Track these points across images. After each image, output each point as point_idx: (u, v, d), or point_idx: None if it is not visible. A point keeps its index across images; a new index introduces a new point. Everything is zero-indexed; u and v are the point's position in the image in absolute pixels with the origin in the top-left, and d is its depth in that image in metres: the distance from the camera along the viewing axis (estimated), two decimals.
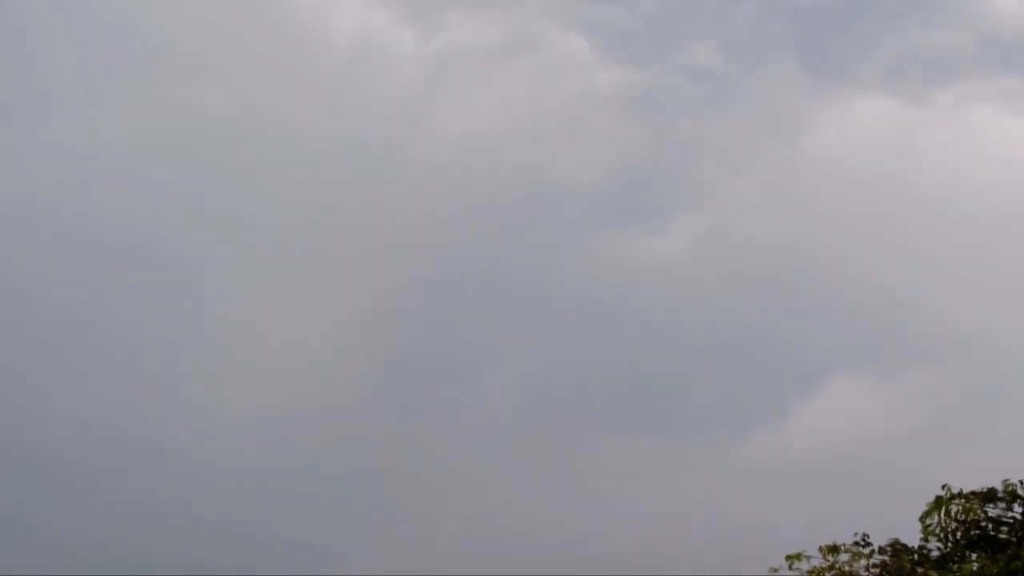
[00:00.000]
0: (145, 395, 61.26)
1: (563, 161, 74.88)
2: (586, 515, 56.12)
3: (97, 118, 69.87)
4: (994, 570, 22.57)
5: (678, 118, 78.33)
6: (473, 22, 78.63)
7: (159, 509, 55.24)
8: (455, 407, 63.19)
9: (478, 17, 78.87)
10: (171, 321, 65.27)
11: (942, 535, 23.61)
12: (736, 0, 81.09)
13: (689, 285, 68.93)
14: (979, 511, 23.43)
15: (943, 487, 23.67)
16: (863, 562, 24.10)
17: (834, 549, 24.03)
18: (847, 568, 23.99)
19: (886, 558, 24.10)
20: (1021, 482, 23.67)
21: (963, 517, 23.43)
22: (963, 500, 23.49)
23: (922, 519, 23.66)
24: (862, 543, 24.26)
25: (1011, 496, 23.62)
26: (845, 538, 24.35)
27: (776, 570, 24.19)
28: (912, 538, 24.04)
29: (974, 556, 23.26)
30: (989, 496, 23.60)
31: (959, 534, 23.50)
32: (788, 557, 24.14)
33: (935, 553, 23.78)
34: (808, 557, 24.16)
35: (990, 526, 23.50)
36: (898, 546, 24.12)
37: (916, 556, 23.89)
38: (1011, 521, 23.51)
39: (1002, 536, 23.40)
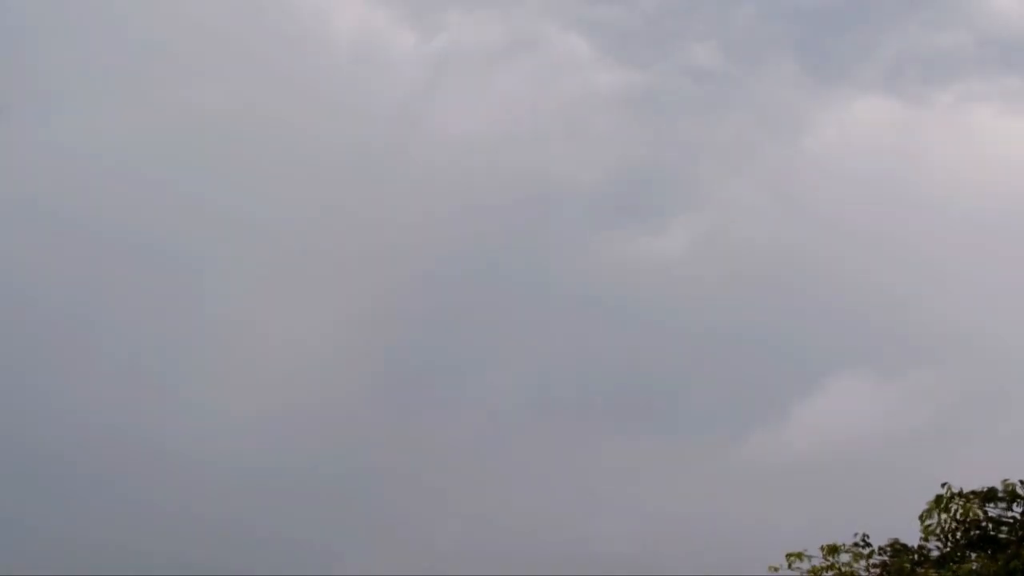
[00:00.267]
0: (145, 395, 61.30)
1: (563, 161, 74.95)
2: (586, 515, 56.16)
3: (97, 118, 69.92)
4: (993, 569, 22.56)
5: (678, 118, 78.40)
6: (473, 22, 78.70)
7: (159, 509, 55.26)
8: (455, 407, 63.24)
9: (478, 17, 78.94)
10: (171, 321, 65.34)
11: (942, 535, 23.60)
12: (736, 0, 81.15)
13: (689, 285, 68.98)
14: (979, 511, 23.43)
15: (943, 487, 23.67)
16: (863, 562, 24.11)
17: (834, 549, 24.03)
18: (847, 568, 24.00)
19: (886, 558, 24.10)
20: (1021, 482, 23.67)
21: (963, 517, 23.42)
22: (963, 500, 23.49)
23: (922, 519, 23.65)
24: (862, 543, 24.26)
25: (1011, 496, 23.61)
26: (845, 538, 24.36)
27: (776, 569, 24.20)
28: (912, 538, 24.05)
29: (974, 556, 23.25)
30: (989, 496, 23.59)
31: (959, 534, 23.50)
32: (789, 556, 24.14)
33: (935, 553, 23.78)
34: (809, 556, 24.17)
35: (990, 526, 23.50)
36: (898, 546, 24.11)
37: (916, 556, 23.89)
38: (1011, 521, 23.50)
39: (1002, 536, 23.40)
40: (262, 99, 72.21)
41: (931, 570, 23.27)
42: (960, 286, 67.24)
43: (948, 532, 23.54)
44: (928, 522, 23.54)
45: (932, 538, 23.71)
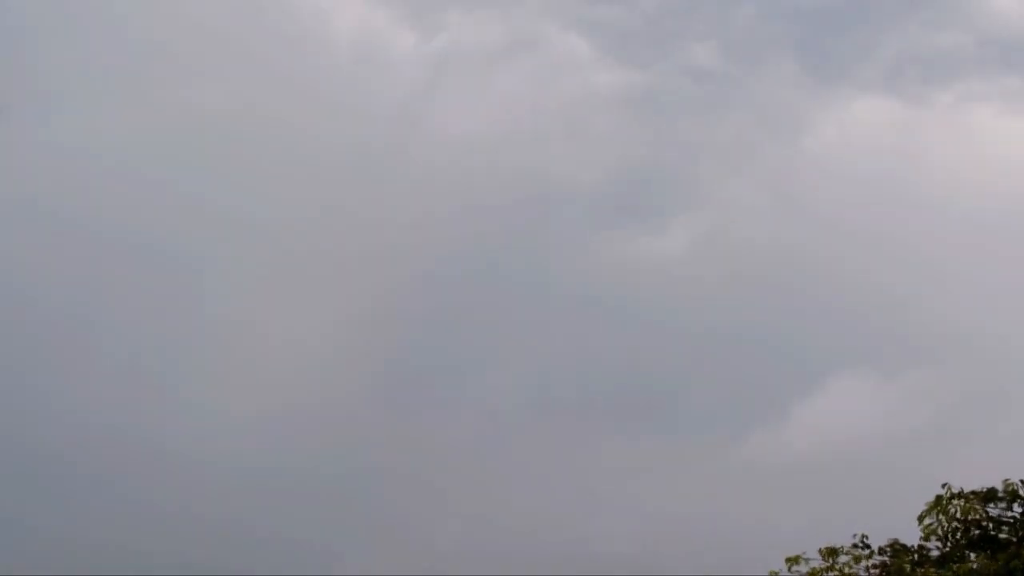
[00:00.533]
0: (145, 395, 61.28)
1: (563, 161, 74.94)
2: (586, 515, 56.14)
3: (97, 118, 69.91)
4: (994, 569, 22.57)
5: (678, 118, 78.40)
6: (473, 22, 78.69)
7: (159, 509, 55.24)
8: (455, 407, 63.23)
9: (478, 17, 78.93)
10: (171, 321, 65.32)
11: (942, 535, 23.61)
12: (736, 0, 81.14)
13: (689, 285, 68.98)
14: (979, 511, 23.44)
15: (943, 487, 23.68)
16: (863, 563, 24.10)
17: (833, 552, 24.02)
18: (847, 570, 23.99)
19: (886, 559, 24.09)
20: (1021, 482, 23.68)
21: (963, 517, 23.43)
22: (963, 500, 23.49)
23: (921, 519, 23.67)
24: (861, 544, 24.25)
25: (1011, 496, 23.63)
26: (845, 538, 24.37)
27: (776, 573, 24.19)
28: (912, 538, 24.06)
29: (974, 556, 23.25)
30: (989, 496, 23.61)
31: (959, 534, 23.50)
32: (788, 560, 24.13)
33: (935, 553, 23.78)
34: (807, 559, 24.16)
35: (990, 526, 23.51)
36: (898, 546, 24.11)
37: (916, 556, 23.89)
38: (1011, 521, 23.51)
39: (1002, 536, 23.41)
40: (262, 99, 72.26)
41: (931, 570, 23.27)
42: (960, 286, 67.28)
43: (948, 532, 23.55)
44: (928, 522, 23.54)
45: (932, 538, 23.71)
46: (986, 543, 23.35)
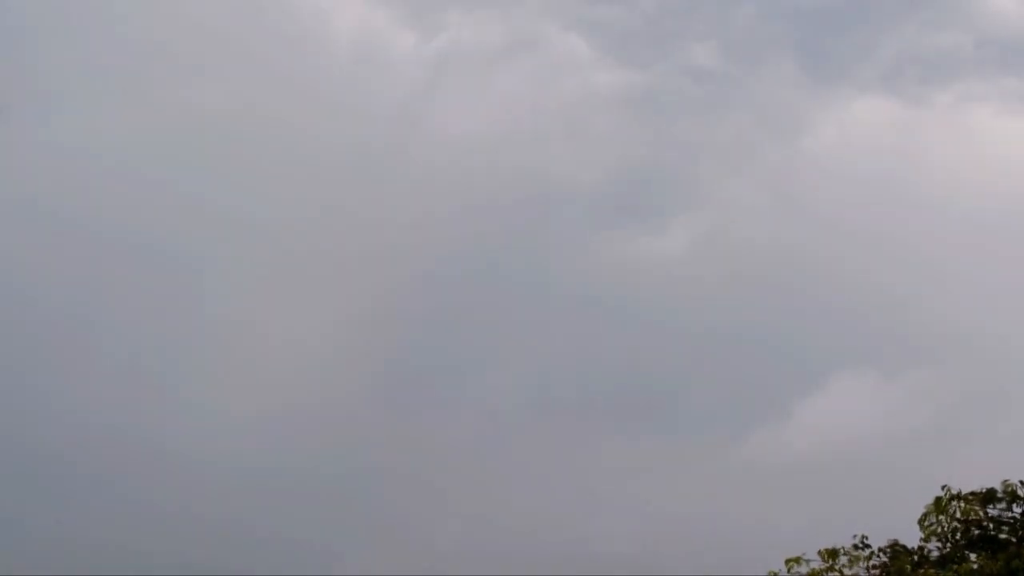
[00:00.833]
0: (145, 395, 61.28)
1: (563, 161, 74.97)
2: (586, 515, 56.14)
3: (97, 118, 69.92)
4: (994, 569, 22.58)
5: (678, 118, 78.44)
6: (473, 22, 78.73)
7: (159, 509, 55.25)
8: (455, 407, 63.23)
9: (478, 17, 78.98)
10: (171, 321, 65.32)
11: (942, 536, 23.62)
12: (736, 0, 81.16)
13: (689, 285, 69.00)
14: (979, 511, 23.45)
15: (943, 488, 23.69)
16: (863, 564, 24.11)
17: (833, 554, 24.03)
18: (847, 570, 24.00)
19: (886, 559, 24.10)
20: (1021, 482, 23.70)
21: (963, 518, 23.44)
22: (962, 501, 23.51)
23: (922, 520, 23.68)
24: (861, 545, 24.25)
25: (1011, 496, 23.64)
26: (845, 538, 24.38)
27: (775, 574, 24.20)
28: (912, 539, 24.07)
29: (974, 556, 23.27)
30: (989, 496, 23.62)
31: (959, 534, 23.52)
32: (788, 561, 24.14)
33: (935, 554, 23.79)
34: (807, 560, 24.17)
35: (990, 526, 23.52)
36: (898, 547, 24.12)
37: (916, 557, 23.90)
38: (1011, 521, 23.53)
39: (1002, 536, 23.42)
40: (262, 99, 72.29)
41: (931, 571, 23.28)
42: (960, 286, 67.31)
43: (948, 533, 23.56)
44: (928, 523, 23.56)
45: (932, 539, 23.72)
46: (986, 543, 23.37)
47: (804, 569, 24.06)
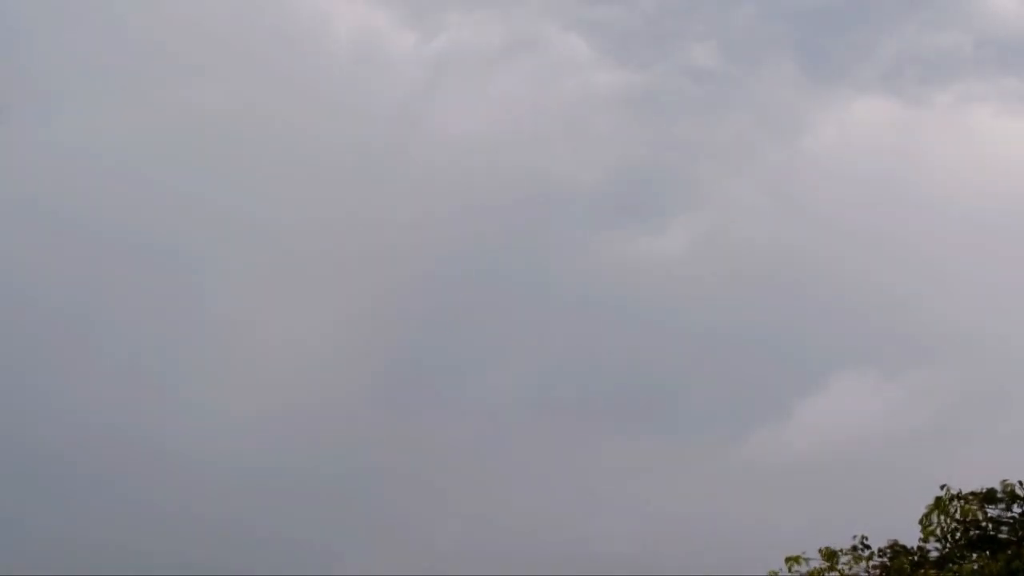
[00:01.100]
0: (145, 395, 61.27)
1: (563, 161, 74.95)
2: (586, 515, 56.15)
3: (97, 118, 69.90)
4: (995, 569, 22.57)
5: (678, 118, 78.42)
6: (473, 23, 78.70)
7: (159, 509, 55.24)
8: (455, 407, 63.22)
9: (478, 18, 78.95)
10: (171, 321, 65.32)
11: (942, 536, 23.61)
12: (736, 0, 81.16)
13: (689, 285, 69.00)
14: (978, 511, 23.45)
15: (942, 488, 23.68)
16: (863, 564, 24.11)
17: (833, 554, 24.02)
18: (847, 570, 24.00)
19: (886, 560, 24.10)
20: (1020, 482, 23.69)
21: (963, 518, 23.44)
22: (962, 501, 23.50)
23: (922, 520, 23.67)
24: (861, 546, 24.25)
25: (1010, 496, 23.64)
26: (845, 538, 24.37)
27: (775, 573, 24.19)
28: (912, 539, 24.06)
29: (974, 556, 23.26)
30: (989, 496, 23.61)
31: (959, 535, 23.51)
32: (788, 560, 24.14)
33: (934, 554, 23.78)
34: (807, 559, 24.16)
35: (990, 526, 23.51)
36: (898, 548, 24.12)
37: (916, 557, 23.89)
38: (1011, 521, 23.52)
39: (1002, 536, 23.42)
40: (262, 99, 72.28)
41: (931, 571, 23.28)
42: (960, 286, 67.32)
43: (948, 533, 23.55)
44: (928, 523, 23.55)
45: (932, 539, 23.72)
46: (986, 544, 23.36)
47: (804, 568, 24.06)
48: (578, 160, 75.18)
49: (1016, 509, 23.60)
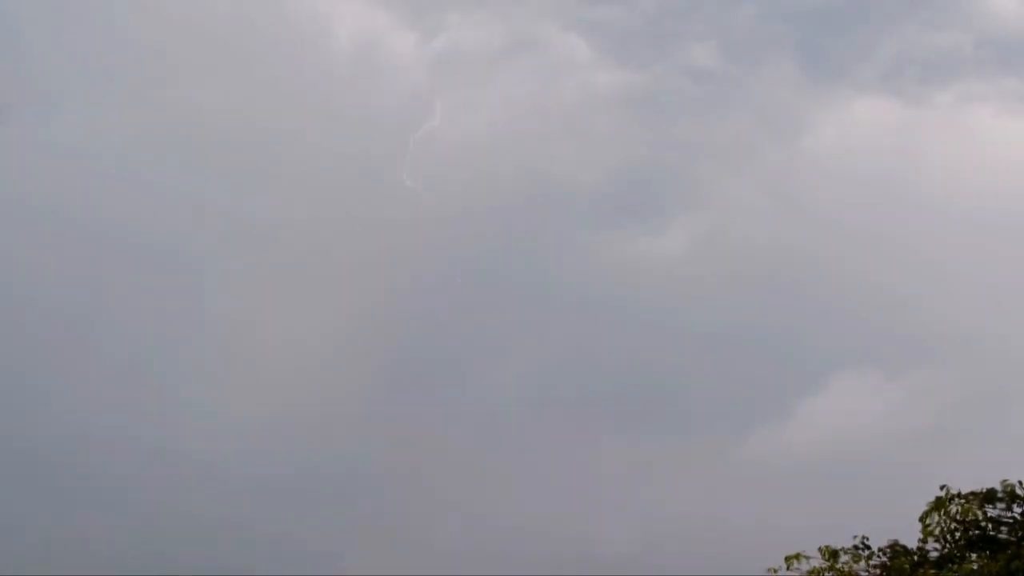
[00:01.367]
0: (145, 395, 61.29)
1: (563, 161, 74.94)
2: (586, 515, 56.17)
3: (97, 118, 69.89)
4: (994, 569, 22.57)
5: (678, 118, 78.43)
6: (473, 23, 78.69)
7: (159, 509, 55.28)
8: (455, 407, 63.24)
9: (478, 18, 78.94)
10: (171, 321, 65.34)
11: (942, 536, 23.61)
12: (736, 0, 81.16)
13: (689, 285, 69.02)
14: (978, 511, 23.44)
15: (942, 488, 23.68)
16: (862, 564, 24.11)
17: (833, 553, 24.02)
18: (847, 569, 24.00)
19: (886, 560, 24.09)
20: (1020, 482, 23.68)
21: (962, 518, 23.43)
22: (962, 501, 23.49)
23: (922, 520, 23.66)
24: (861, 546, 24.25)
25: (1010, 496, 23.63)
26: (845, 538, 24.36)
27: (775, 571, 24.18)
28: (912, 538, 24.05)
29: (974, 556, 23.26)
30: (989, 496, 23.61)
31: (959, 535, 23.50)
32: (787, 558, 24.13)
33: (934, 554, 23.78)
34: (807, 558, 24.16)
35: (990, 526, 23.51)
36: (898, 547, 24.11)
37: (916, 557, 23.89)
38: (1011, 521, 23.51)
39: (1002, 536, 23.41)
40: (262, 100, 72.28)
41: (931, 571, 23.27)
42: (960, 286, 67.33)
43: (948, 533, 23.54)
44: (928, 523, 23.55)
45: (932, 539, 23.71)
46: (986, 544, 23.36)
47: (804, 567, 24.06)
48: (578, 160, 75.25)
49: (1016, 509, 23.59)
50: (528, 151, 74.49)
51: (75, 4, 74.60)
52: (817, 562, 24.06)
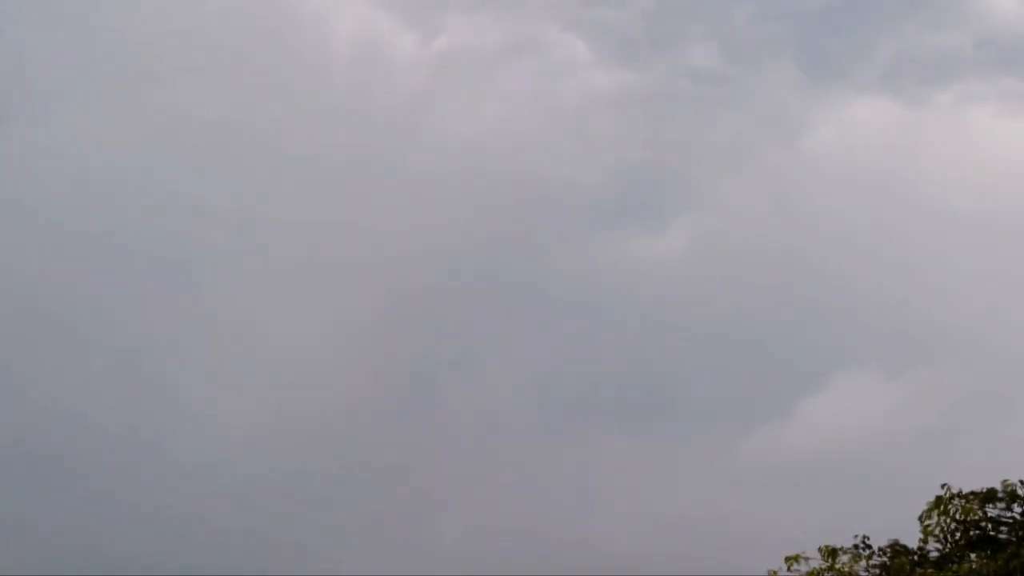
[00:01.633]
0: (145, 396, 61.30)
1: (563, 162, 74.98)
2: (586, 515, 56.19)
3: (96, 119, 69.90)
4: (993, 569, 22.59)
5: (678, 118, 78.46)
6: (473, 24, 78.75)
7: (159, 510, 55.26)
8: (455, 407, 63.27)
9: (478, 19, 79.00)
10: (171, 322, 65.31)
11: (942, 535, 23.63)
12: (735, 1, 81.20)
13: (689, 285, 69.07)
14: (978, 511, 23.46)
15: (942, 487, 23.70)
16: (863, 564, 24.13)
17: (833, 553, 24.04)
18: (847, 569, 24.02)
19: (886, 559, 24.12)
20: (1020, 482, 23.70)
21: (962, 517, 23.45)
22: (962, 500, 23.52)
23: (922, 519, 23.69)
24: (862, 546, 24.27)
25: (1010, 496, 23.65)
26: (845, 538, 24.39)
27: (775, 573, 24.21)
28: (912, 538, 24.08)
29: (974, 556, 23.28)
30: (989, 496, 23.63)
31: (958, 534, 23.53)
32: (787, 559, 24.15)
33: (934, 554, 23.80)
34: (807, 559, 24.18)
35: (989, 526, 23.53)
36: (898, 547, 24.14)
37: (916, 557, 23.91)
38: (1010, 521, 23.54)
39: (1002, 536, 23.43)
40: (262, 101, 72.33)
41: (931, 571, 23.29)
42: (960, 286, 67.35)
43: (948, 532, 23.57)
44: (928, 522, 23.57)
45: (931, 539, 23.73)
46: (985, 543, 23.38)
47: (804, 567, 24.08)
48: (577, 160, 75.28)
49: (1016, 509, 23.62)
50: (528, 151, 74.60)
51: (74, 5, 74.66)
52: (817, 563, 24.09)
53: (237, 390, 61.94)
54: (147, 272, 66.15)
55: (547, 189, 73.17)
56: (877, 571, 24.10)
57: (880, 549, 24.25)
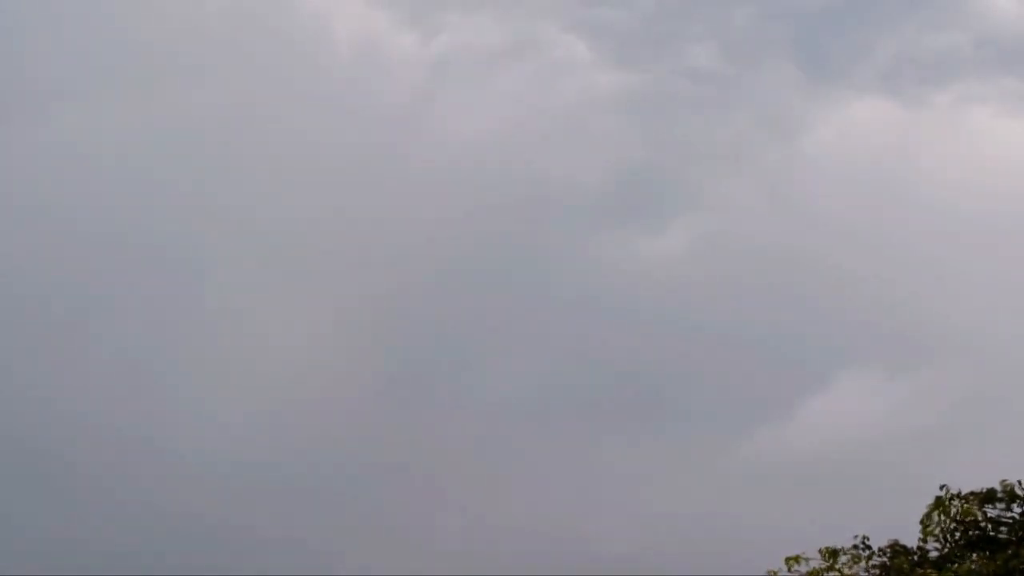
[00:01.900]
0: (145, 395, 61.31)
1: (563, 162, 74.92)
2: (586, 515, 56.17)
3: (97, 118, 69.91)
4: (992, 569, 22.58)
5: (678, 119, 78.39)
6: (473, 24, 78.73)
7: (159, 509, 55.27)
8: (455, 407, 63.24)
9: (478, 19, 78.98)
10: (171, 320, 65.36)
11: (942, 536, 23.62)
12: (735, 1, 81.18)
13: (689, 285, 69.01)
14: (978, 511, 23.46)
15: (942, 488, 23.70)
16: (863, 564, 24.12)
17: (833, 553, 24.04)
18: (847, 570, 24.01)
19: (886, 560, 24.11)
20: (1020, 482, 23.70)
21: (962, 518, 23.45)
22: (962, 501, 23.51)
23: (922, 520, 23.69)
24: (862, 546, 24.26)
25: (1010, 496, 23.65)
26: (845, 538, 24.39)
27: (775, 573, 24.20)
28: (912, 538, 24.08)
29: (974, 556, 23.28)
30: (988, 496, 23.63)
31: (958, 535, 23.52)
32: (787, 560, 24.14)
33: (934, 554, 23.79)
34: (807, 559, 24.17)
35: (989, 526, 23.52)
36: (898, 547, 24.13)
37: (916, 557, 23.91)
38: (1010, 521, 23.53)
39: (1001, 536, 23.43)
40: (262, 100, 72.33)
41: (930, 571, 23.28)
42: (961, 286, 67.36)
43: (948, 533, 23.57)
44: (928, 523, 23.57)
45: (931, 539, 23.73)
46: (985, 544, 23.37)
47: (804, 568, 24.07)
48: (578, 161, 75.22)
49: (1016, 509, 23.61)
50: (528, 151, 74.59)
51: (75, 4, 74.67)
52: (817, 563, 24.08)
53: (237, 389, 61.98)
54: (147, 271, 66.23)
55: (547, 189, 73.21)
56: (877, 571, 24.09)
57: (880, 549, 24.25)
